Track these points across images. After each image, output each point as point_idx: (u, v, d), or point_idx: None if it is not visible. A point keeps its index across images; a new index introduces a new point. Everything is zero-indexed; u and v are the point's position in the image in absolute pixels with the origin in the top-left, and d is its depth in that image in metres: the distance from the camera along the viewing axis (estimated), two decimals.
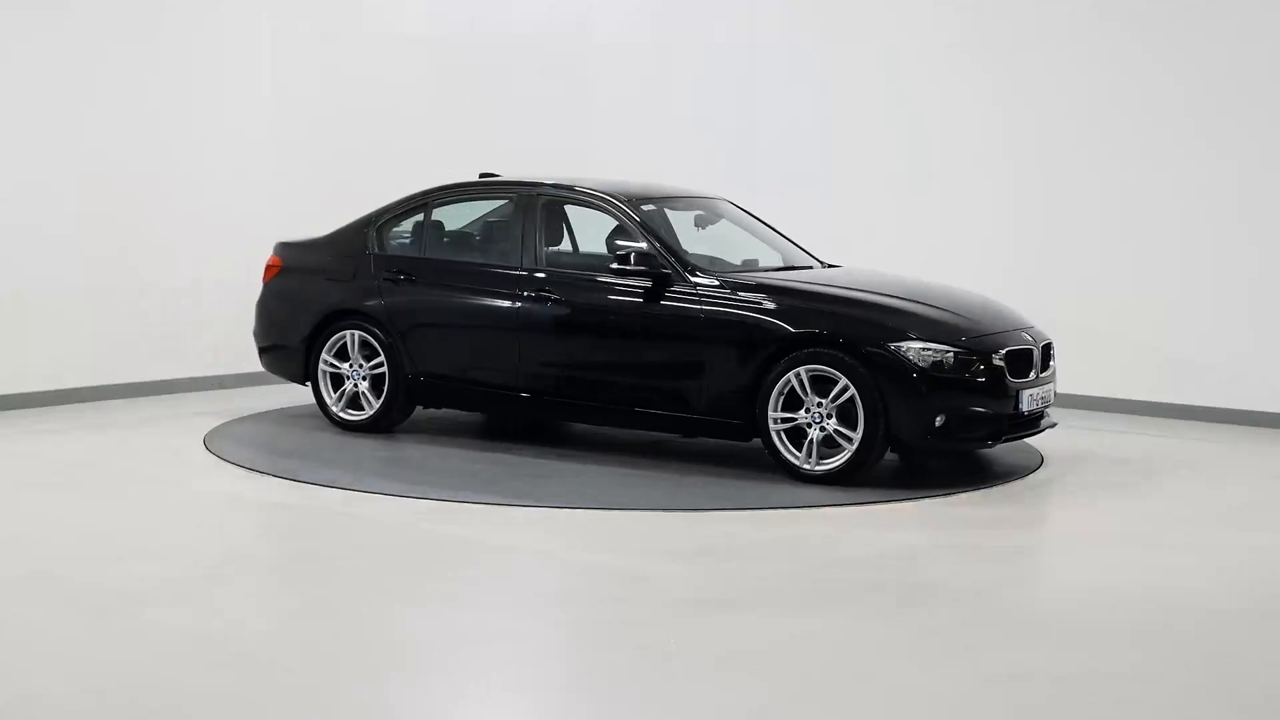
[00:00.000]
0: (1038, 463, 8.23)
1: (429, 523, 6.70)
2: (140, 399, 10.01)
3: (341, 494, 7.16)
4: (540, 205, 8.53)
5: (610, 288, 8.04)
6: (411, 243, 8.91)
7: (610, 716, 4.30)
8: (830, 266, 8.73)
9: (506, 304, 8.31)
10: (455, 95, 11.55)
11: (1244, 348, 9.66)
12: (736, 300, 7.68)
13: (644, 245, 7.96)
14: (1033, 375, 7.71)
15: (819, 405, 7.39)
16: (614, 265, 7.96)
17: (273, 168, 10.92)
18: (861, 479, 7.41)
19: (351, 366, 8.82)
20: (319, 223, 11.10)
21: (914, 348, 7.32)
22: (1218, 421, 9.67)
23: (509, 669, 4.67)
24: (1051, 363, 8.07)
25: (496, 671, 4.64)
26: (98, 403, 9.75)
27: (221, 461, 7.89)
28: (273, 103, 10.92)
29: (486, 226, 8.95)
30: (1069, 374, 10.31)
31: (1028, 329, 7.96)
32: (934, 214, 10.83)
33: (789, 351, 7.43)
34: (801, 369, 7.39)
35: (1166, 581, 5.83)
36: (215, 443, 8.38)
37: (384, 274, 8.75)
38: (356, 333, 8.78)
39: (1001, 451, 8.57)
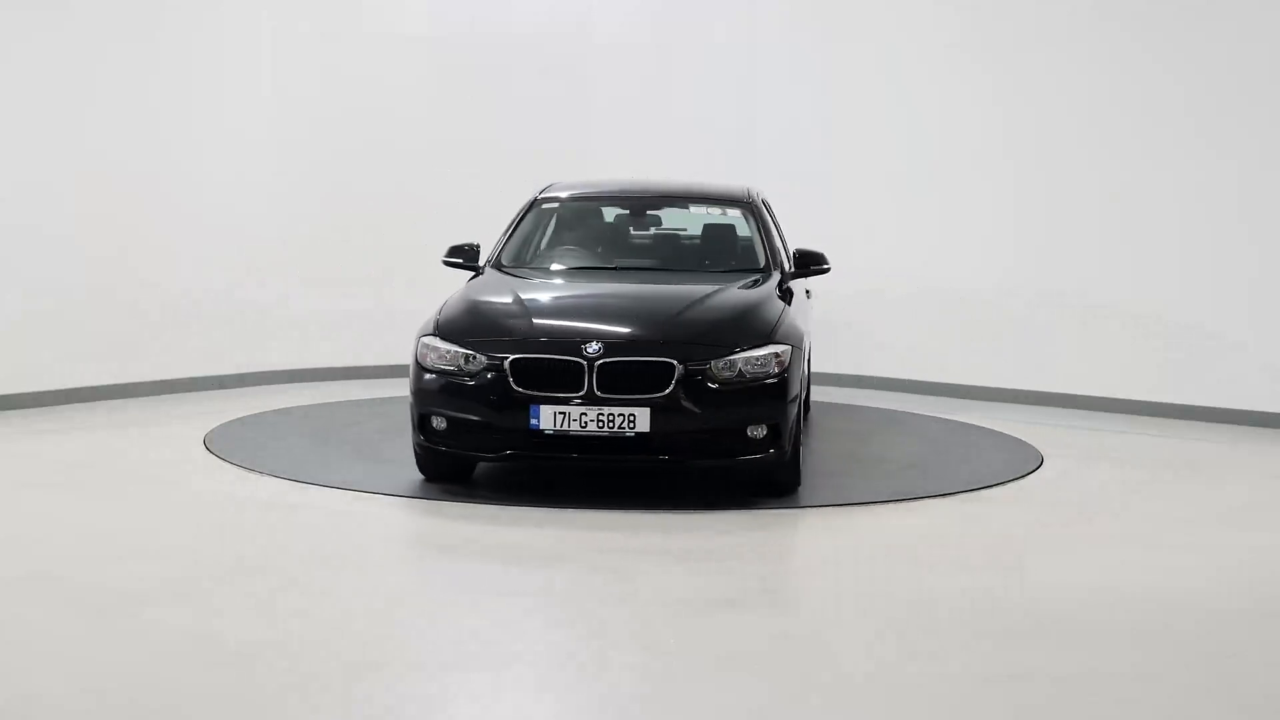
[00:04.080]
0: (1037, 463, 8.23)
1: (429, 522, 6.69)
2: (140, 399, 10.01)
3: (342, 494, 7.16)
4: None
5: None
6: None
7: (610, 716, 4.31)
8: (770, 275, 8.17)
9: None
10: (455, 95, 11.55)
11: (1244, 348, 9.66)
12: None
13: (475, 241, 8.34)
14: (577, 394, 6.71)
15: None
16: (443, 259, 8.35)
17: (273, 168, 10.92)
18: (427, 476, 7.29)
19: None
20: (319, 223, 11.14)
21: (430, 345, 7.05)
22: (1218, 421, 9.67)
23: (509, 669, 4.67)
24: (674, 385, 6.72)
25: (496, 671, 4.64)
26: (98, 403, 9.74)
27: (221, 461, 7.89)
28: (273, 103, 10.92)
29: None
30: (1070, 374, 10.35)
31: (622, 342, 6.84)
32: (934, 214, 10.84)
33: None
34: None
35: (1166, 581, 5.83)
36: (215, 443, 8.37)
37: None
38: None
39: (1001, 452, 8.58)
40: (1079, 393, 10.27)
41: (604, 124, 11.75)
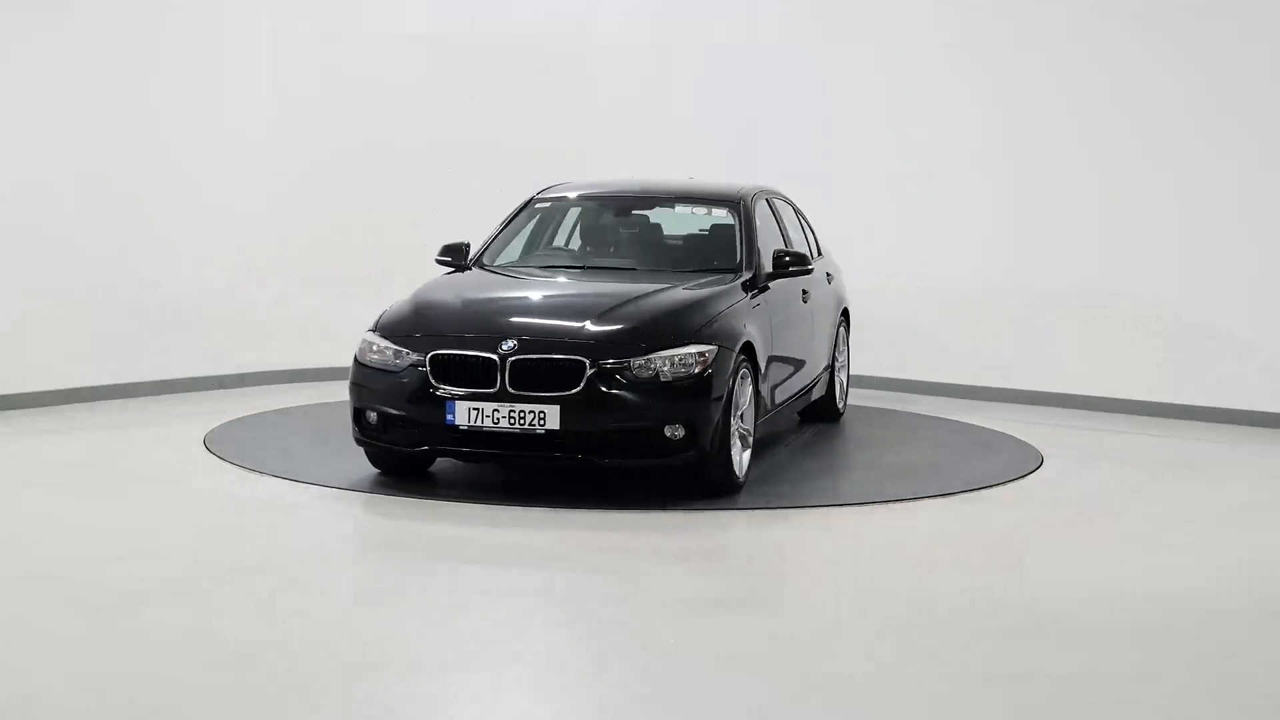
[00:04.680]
0: (1037, 463, 8.23)
1: (429, 522, 6.69)
2: (140, 399, 10.00)
3: (341, 494, 7.16)
4: None
5: None
6: None
7: (611, 717, 4.31)
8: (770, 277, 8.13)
9: None
10: (455, 95, 11.54)
11: (1244, 348, 9.66)
12: None
13: (467, 240, 8.45)
14: (491, 390, 6.78)
15: None
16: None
17: (273, 168, 10.91)
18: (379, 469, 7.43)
19: None
20: (319, 223, 11.14)
21: (369, 341, 7.26)
22: (1218, 421, 9.67)
23: (509, 669, 4.67)
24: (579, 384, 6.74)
25: (496, 671, 4.64)
26: (98, 403, 9.74)
27: (221, 461, 7.89)
28: (273, 103, 10.92)
29: None
30: (1070, 374, 10.35)
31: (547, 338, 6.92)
32: (934, 214, 10.83)
33: None
34: None
35: (1166, 581, 5.83)
36: (215, 443, 8.37)
37: None
38: None
39: (1001, 452, 8.58)
40: (1079, 393, 10.26)
41: (604, 124, 11.75)
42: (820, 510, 7.03)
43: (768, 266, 8.11)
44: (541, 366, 6.80)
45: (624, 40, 11.82)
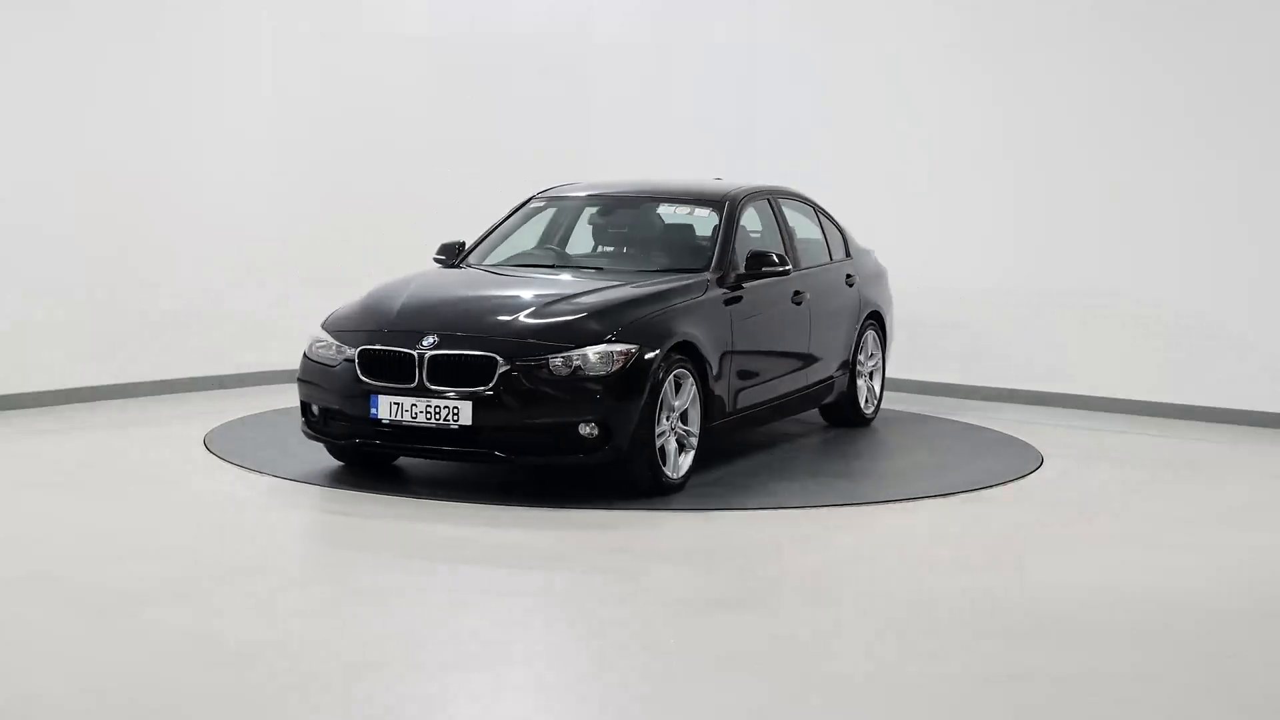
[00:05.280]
0: (1037, 463, 8.23)
1: (429, 522, 6.69)
2: (140, 399, 10.00)
3: (341, 493, 7.16)
4: None
5: None
6: None
7: (611, 717, 4.31)
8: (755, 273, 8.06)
9: None
10: (455, 95, 11.55)
11: (1244, 348, 9.66)
12: None
13: (463, 240, 8.65)
14: (410, 385, 6.90)
15: None
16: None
17: (273, 168, 10.91)
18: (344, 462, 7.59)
19: None
20: (319, 223, 11.14)
21: (315, 337, 7.43)
22: (1218, 421, 9.67)
23: (509, 669, 4.67)
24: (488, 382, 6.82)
25: (496, 671, 4.64)
26: (98, 403, 9.74)
27: (221, 461, 7.89)
28: (273, 103, 10.92)
29: None
30: (1070, 374, 10.35)
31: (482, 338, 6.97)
32: (934, 214, 10.83)
33: None
34: None
35: (1166, 581, 5.83)
36: (215, 443, 8.37)
37: None
38: None
39: (1001, 452, 8.58)
40: (1079, 393, 10.26)
41: (604, 124, 11.75)
42: (819, 510, 7.03)
43: (742, 267, 8.03)
44: (457, 362, 6.91)
45: (624, 40, 11.82)
